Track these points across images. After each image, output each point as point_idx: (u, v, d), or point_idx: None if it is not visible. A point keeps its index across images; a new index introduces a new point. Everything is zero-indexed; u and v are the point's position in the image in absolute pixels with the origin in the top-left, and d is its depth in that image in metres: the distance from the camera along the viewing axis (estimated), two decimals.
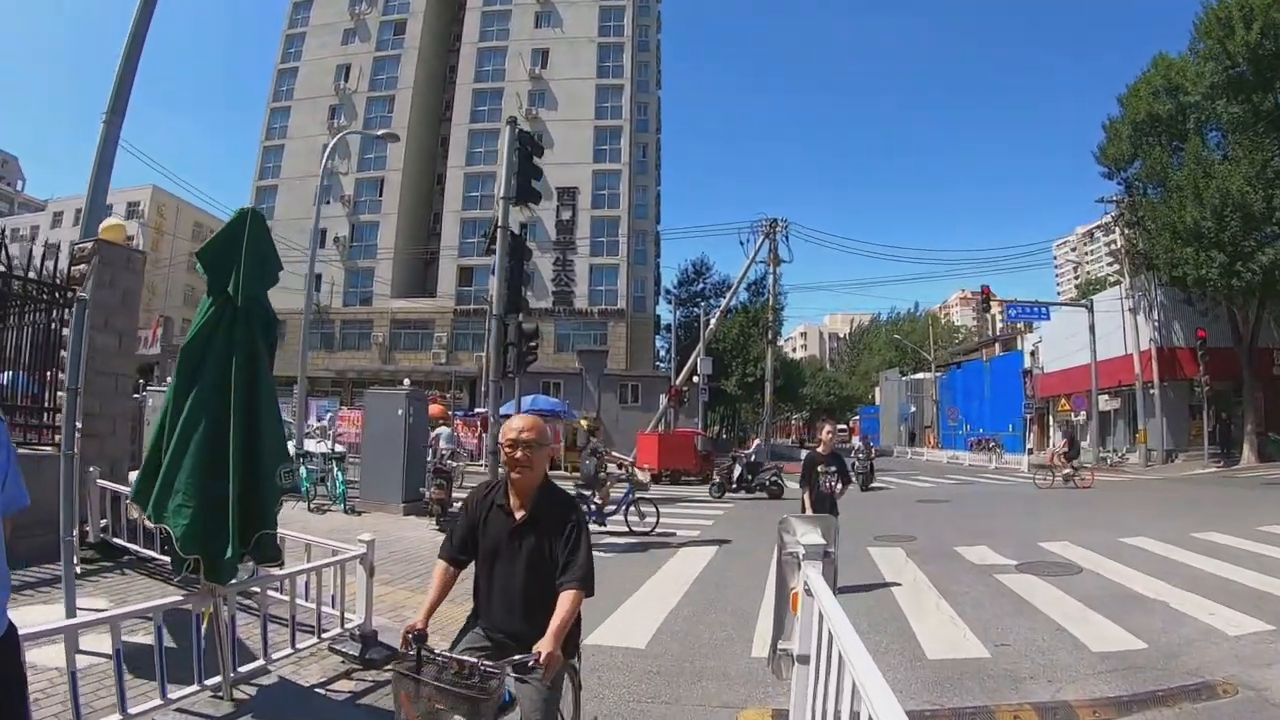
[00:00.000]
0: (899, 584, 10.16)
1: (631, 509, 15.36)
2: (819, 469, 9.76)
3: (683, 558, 12.63)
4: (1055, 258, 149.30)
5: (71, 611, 6.29)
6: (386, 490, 16.29)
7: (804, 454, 13.46)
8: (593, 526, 13.72)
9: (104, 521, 9.35)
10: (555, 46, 61.72)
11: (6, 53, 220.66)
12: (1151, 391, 38.24)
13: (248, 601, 6.48)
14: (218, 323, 4.90)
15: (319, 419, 35.75)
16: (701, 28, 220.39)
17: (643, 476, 18.86)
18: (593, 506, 14.41)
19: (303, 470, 16.71)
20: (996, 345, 77.31)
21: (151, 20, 11.33)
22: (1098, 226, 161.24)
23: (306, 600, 6.48)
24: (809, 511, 9.59)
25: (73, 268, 10.55)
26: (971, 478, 33.96)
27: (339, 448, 21.49)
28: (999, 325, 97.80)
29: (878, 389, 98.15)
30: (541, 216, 56.87)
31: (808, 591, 3.53)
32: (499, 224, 14.10)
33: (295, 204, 61.89)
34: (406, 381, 47.82)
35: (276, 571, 5.90)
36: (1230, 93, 32.17)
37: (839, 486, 9.74)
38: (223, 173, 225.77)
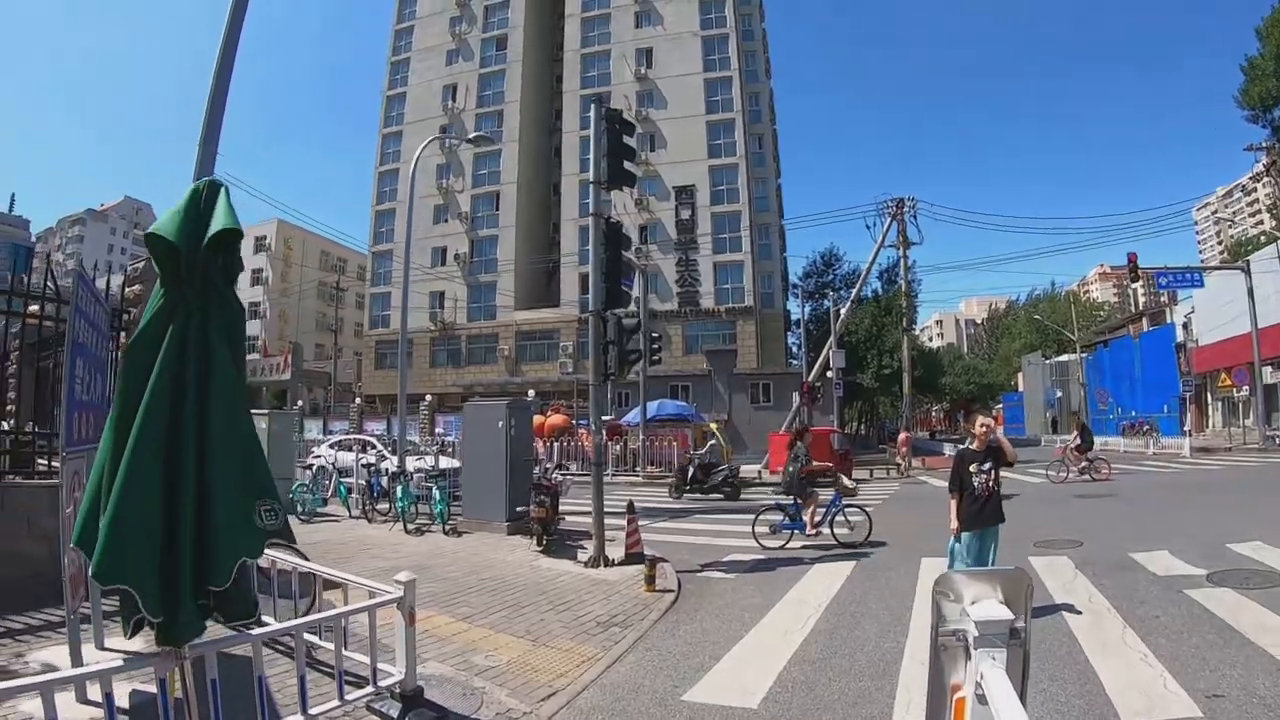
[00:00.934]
0: (1071, 606, 8.39)
1: (839, 517, 13.81)
2: (971, 468, 8.17)
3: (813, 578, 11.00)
4: (1195, 221, 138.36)
5: (76, 659, 5.70)
6: (489, 508, 15.24)
7: (951, 450, 11.75)
8: (771, 541, 13.35)
9: None
10: (658, 44, 60.56)
11: (146, 103, 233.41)
12: None
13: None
14: (168, 319, 3.67)
15: (441, 434, 34.87)
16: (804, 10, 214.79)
17: (849, 482, 17.02)
18: (801, 517, 13.33)
19: (398, 490, 16.27)
20: (1144, 320, 71.94)
21: (238, 46, 10.64)
22: (1238, 186, 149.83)
23: (347, 649, 5.32)
24: (956, 524, 8.21)
25: (127, 288, 9.76)
26: (1130, 466, 30.71)
27: (455, 463, 20.30)
28: (1142, 299, 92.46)
29: (1020, 375, 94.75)
30: (661, 218, 56.45)
31: (980, 698, 2.07)
32: (592, 211, 12.81)
33: (414, 226, 62.72)
34: (532, 393, 47.46)
35: (276, 625, 4.76)
36: None
37: (993, 481, 8.12)
38: (346, 201, 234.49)
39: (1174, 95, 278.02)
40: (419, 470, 18.28)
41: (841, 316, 41.17)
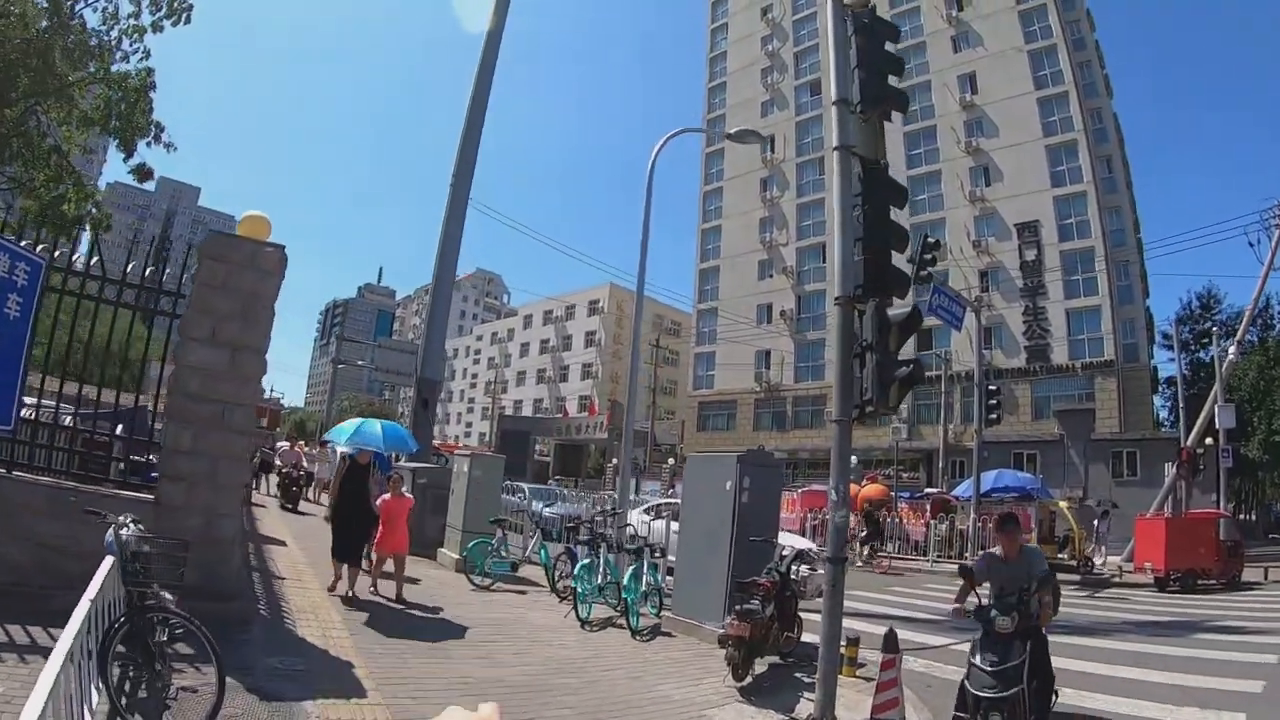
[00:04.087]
0: None
1: None
2: None
3: None
4: None
5: None
6: (701, 604, 11.05)
7: None
8: None
9: None
10: (980, 66, 55.09)
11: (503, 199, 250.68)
12: None
13: None
14: None
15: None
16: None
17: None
18: None
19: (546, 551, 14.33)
20: None
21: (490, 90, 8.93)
22: None
23: None
24: None
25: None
26: None
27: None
28: None
29: None
30: (1003, 260, 50.73)
31: None
32: (836, 144, 8.58)
33: (738, 282, 62.32)
34: (853, 459, 43.77)
35: None
36: None
37: None
38: (671, 263, 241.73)
39: None
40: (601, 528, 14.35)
41: (1229, 357, 33.19)
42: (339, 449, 16.80)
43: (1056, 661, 7.19)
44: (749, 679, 8.85)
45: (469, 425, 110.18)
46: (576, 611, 11.56)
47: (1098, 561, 26.94)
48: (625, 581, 11.66)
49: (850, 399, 7.79)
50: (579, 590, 11.77)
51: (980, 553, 8.05)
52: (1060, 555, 26.31)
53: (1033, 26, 53.62)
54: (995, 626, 6.57)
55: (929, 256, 22.05)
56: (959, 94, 55.12)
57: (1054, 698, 7.17)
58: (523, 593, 14.01)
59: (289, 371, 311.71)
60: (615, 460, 51.76)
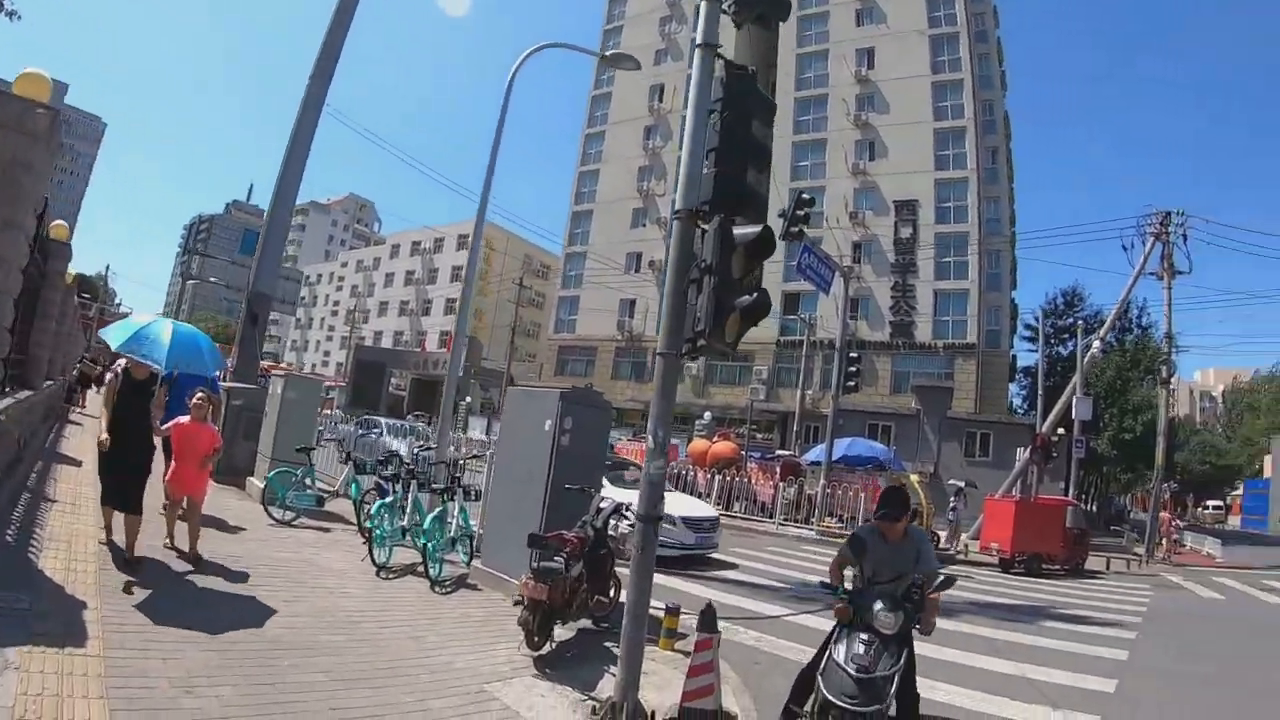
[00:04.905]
0: None
1: None
2: None
3: None
4: None
5: None
6: (513, 556, 9.19)
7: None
8: None
9: None
10: (881, 44, 54.76)
11: (370, 111, 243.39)
12: None
13: None
14: None
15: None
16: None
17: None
18: None
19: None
20: None
21: None
22: None
23: None
24: None
25: None
26: None
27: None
28: None
29: (1268, 458, 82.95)
30: (878, 234, 50.55)
31: None
32: (698, 40, 7.19)
33: (611, 227, 61.12)
34: (708, 415, 43.22)
35: None
36: None
37: None
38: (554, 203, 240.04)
39: None
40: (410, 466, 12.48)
41: (1091, 352, 33.68)
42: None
43: None
44: (549, 647, 7.58)
45: (327, 354, 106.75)
46: (372, 555, 10.05)
47: (944, 535, 26.81)
48: (425, 524, 10.06)
49: (680, 330, 6.39)
50: (375, 531, 10.18)
51: (866, 522, 6.78)
52: None
53: (938, 13, 53.48)
54: (877, 623, 5.43)
55: (802, 213, 21.11)
56: (855, 67, 54.65)
57: None
58: (326, 530, 12.36)
59: (149, 287, 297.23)
60: (469, 398, 50.37)
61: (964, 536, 26.25)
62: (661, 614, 8.32)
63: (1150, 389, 45.03)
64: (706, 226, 6.33)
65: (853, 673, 5.21)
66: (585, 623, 8.58)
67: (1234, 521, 75.14)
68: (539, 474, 9.43)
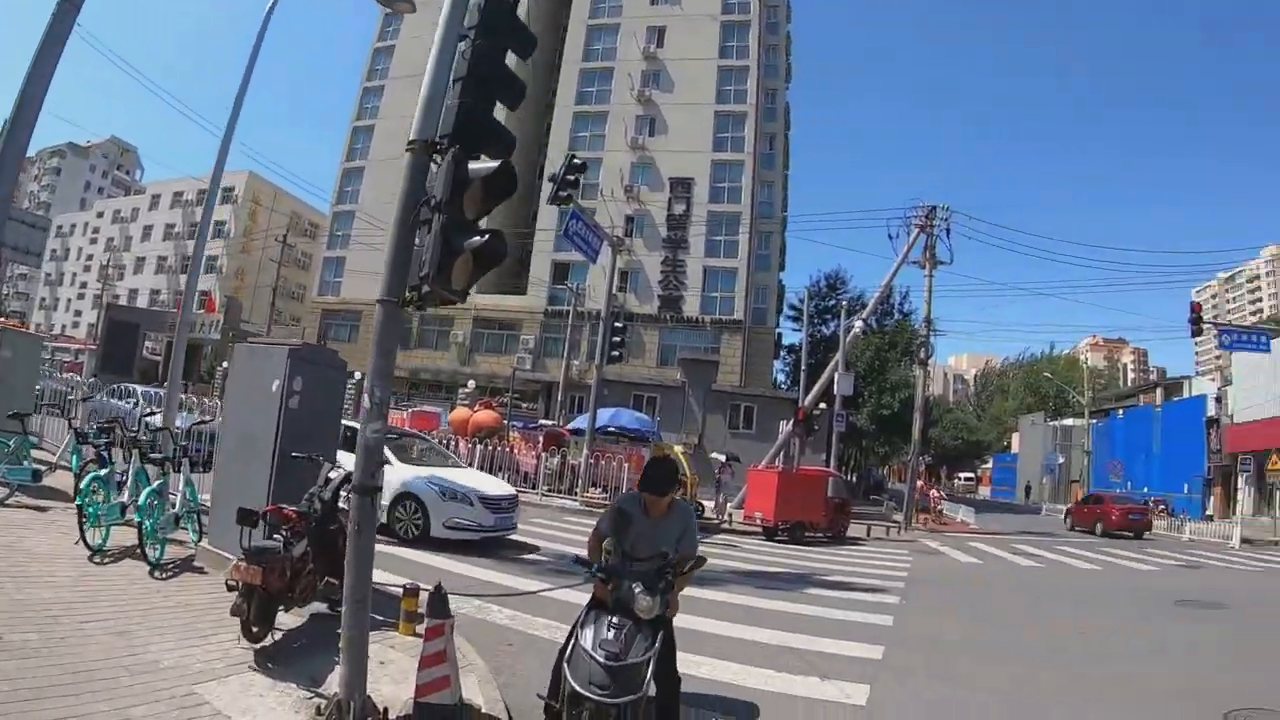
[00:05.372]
0: None
1: None
2: None
3: None
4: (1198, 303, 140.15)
5: None
6: (239, 533, 7.71)
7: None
8: None
9: None
10: (673, 24, 54.82)
11: (130, 49, 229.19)
12: None
13: None
14: None
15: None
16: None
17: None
18: None
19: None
20: (1158, 392, 68.22)
21: None
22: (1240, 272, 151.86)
23: None
24: None
25: None
26: (1184, 554, 26.09)
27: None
28: (1131, 374, 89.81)
29: (1015, 435, 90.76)
30: (651, 210, 50.61)
31: None
32: None
33: (384, 185, 57.50)
34: (471, 384, 41.79)
35: None
36: None
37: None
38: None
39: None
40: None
41: (853, 332, 35.17)
42: None
43: None
44: (272, 638, 6.48)
45: (78, 314, 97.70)
46: (83, 538, 8.59)
47: (709, 505, 26.44)
48: (141, 500, 8.57)
49: (404, 275, 5.58)
50: (90, 510, 8.69)
51: (630, 492, 5.72)
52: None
53: (733, 0, 54.26)
54: (636, 607, 4.69)
55: (573, 178, 20.68)
56: (645, 44, 54.54)
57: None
58: (43, 509, 10.64)
59: None
60: (225, 364, 46.92)
61: (729, 506, 26.20)
62: (400, 594, 7.54)
63: (908, 369, 47.95)
64: (438, 158, 5.61)
65: (602, 660, 4.54)
66: (320, 607, 7.50)
67: (984, 492, 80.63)
68: (266, 441, 8.48)
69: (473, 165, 5.53)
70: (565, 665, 4.70)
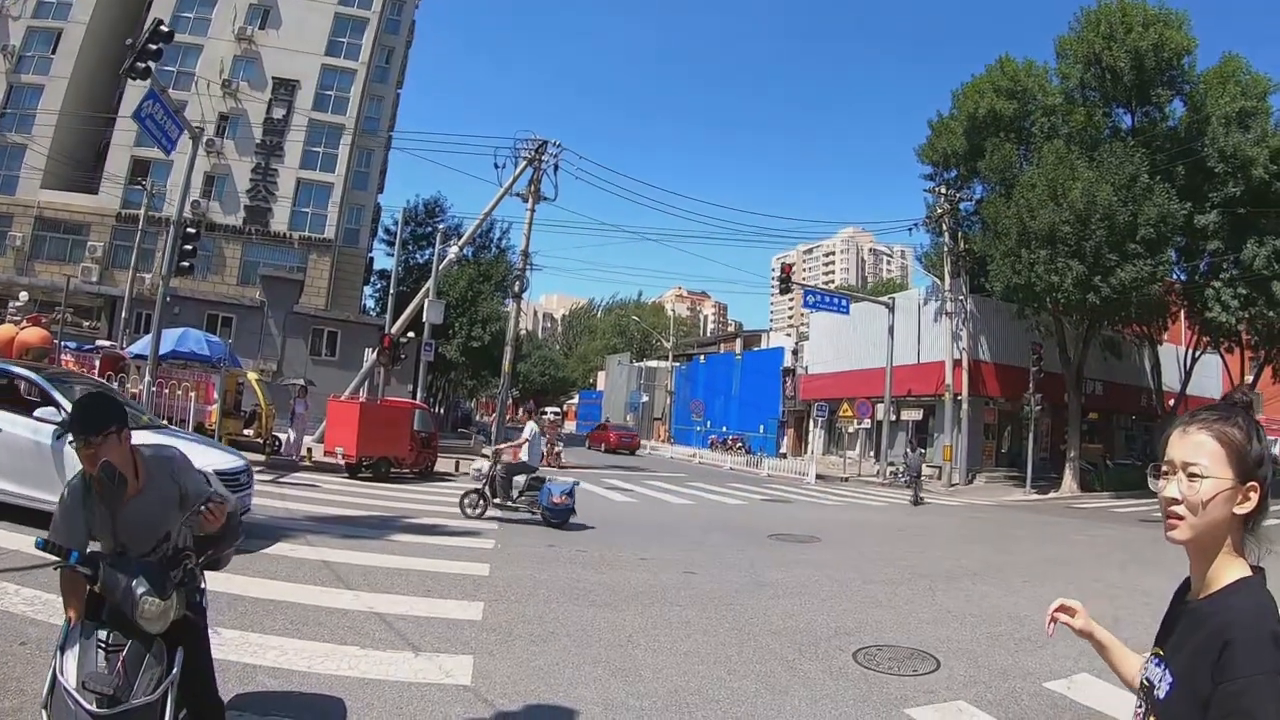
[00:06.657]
0: None
1: None
2: None
3: None
4: (774, 269, 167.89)
5: None
6: None
7: None
8: None
9: None
10: None
11: None
12: (962, 405, 35.94)
13: None
14: None
15: None
16: None
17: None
18: None
19: None
20: (738, 342, 76.67)
21: None
22: (818, 248, 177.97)
23: None
24: None
25: None
26: (767, 489, 28.45)
27: None
28: (710, 325, 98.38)
29: (601, 373, 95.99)
30: (248, 110, 46.01)
31: None
32: None
33: None
34: (24, 296, 36.34)
35: None
36: (1095, 102, 32.20)
37: None
38: None
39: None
40: None
41: (450, 256, 35.02)
42: None
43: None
44: None
45: None
46: None
47: (286, 439, 24.44)
48: None
49: None
50: None
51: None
52: (246, 432, 24.58)
53: None
54: (138, 616, 3.07)
55: (155, 47, 17.78)
56: None
57: None
58: None
59: None
60: None
61: (308, 440, 24.77)
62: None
63: (500, 302, 48.86)
64: None
65: (92, 708, 2.95)
66: None
67: (570, 426, 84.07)
68: None
69: None
70: (44, 713, 3.11)
